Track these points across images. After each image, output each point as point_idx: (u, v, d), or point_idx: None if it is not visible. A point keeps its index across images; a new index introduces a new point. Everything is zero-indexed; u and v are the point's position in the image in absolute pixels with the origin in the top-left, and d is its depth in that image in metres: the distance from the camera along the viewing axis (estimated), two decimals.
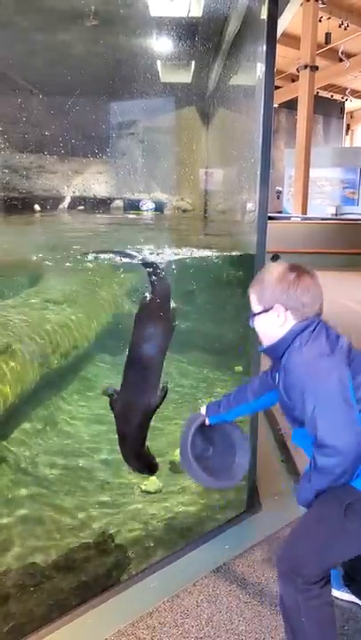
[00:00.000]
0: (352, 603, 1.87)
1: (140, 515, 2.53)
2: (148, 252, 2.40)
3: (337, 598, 1.84)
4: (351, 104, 20.67)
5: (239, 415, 1.91)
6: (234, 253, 2.82)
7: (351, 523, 1.42)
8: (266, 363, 1.78)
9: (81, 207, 4.17)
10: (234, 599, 1.92)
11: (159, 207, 4.47)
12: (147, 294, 2.22)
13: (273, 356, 1.58)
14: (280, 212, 16.12)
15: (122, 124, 4.01)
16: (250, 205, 2.44)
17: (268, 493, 2.57)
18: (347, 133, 22.94)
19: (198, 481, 1.88)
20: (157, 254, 2.37)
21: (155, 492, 2.74)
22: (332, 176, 16.84)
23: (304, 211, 13.49)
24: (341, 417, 1.35)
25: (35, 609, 1.88)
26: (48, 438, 3.37)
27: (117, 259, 2.39)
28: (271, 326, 1.53)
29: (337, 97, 19.82)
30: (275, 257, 5.16)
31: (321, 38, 13.23)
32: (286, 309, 1.49)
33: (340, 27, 13.40)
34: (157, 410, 2.21)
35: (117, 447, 2.30)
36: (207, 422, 1.88)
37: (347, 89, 19.14)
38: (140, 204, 4.40)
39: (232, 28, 3.09)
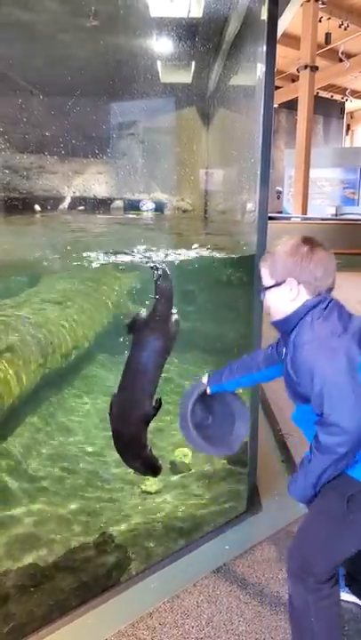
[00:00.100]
0: (353, 603, 1.87)
1: (140, 515, 2.53)
2: (149, 253, 2.38)
3: None
4: (351, 104, 20.66)
5: (241, 386, 1.90)
6: (233, 255, 2.81)
7: (355, 515, 1.42)
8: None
9: (81, 207, 4.17)
10: (234, 599, 1.92)
11: (159, 207, 4.47)
12: (144, 312, 2.17)
13: (282, 330, 1.55)
14: (280, 213, 16.11)
15: (122, 125, 4.01)
16: (250, 205, 2.44)
17: (268, 493, 2.57)
18: (347, 134, 22.94)
19: (197, 448, 1.89)
20: (165, 255, 2.34)
21: (155, 493, 2.75)
22: (333, 176, 16.83)
23: (304, 211, 13.48)
24: (349, 396, 1.33)
25: (35, 609, 1.89)
26: (48, 438, 3.37)
27: (139, 260, 2.32)
28: (283, 300, 1.49)
29: (337, 97, 19.81)
30: None
31: (321, 38, 13.21)
32: (299, 283, 1.46)
33: (340, 27, 13.38)
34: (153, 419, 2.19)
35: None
36: (208, 391, 1.87)
37: (347, 89, 19.13)
38: (141, 204, 4.40)
39: (232, 29, 3.09)
